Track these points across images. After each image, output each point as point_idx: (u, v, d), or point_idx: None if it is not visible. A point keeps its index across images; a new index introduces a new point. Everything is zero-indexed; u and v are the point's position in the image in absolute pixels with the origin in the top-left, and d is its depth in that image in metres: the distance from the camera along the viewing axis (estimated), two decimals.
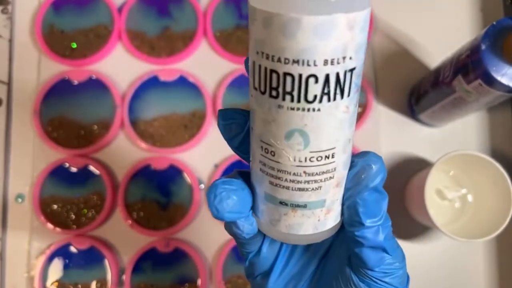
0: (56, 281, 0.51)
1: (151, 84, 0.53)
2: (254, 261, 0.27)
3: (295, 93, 0.18)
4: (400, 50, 0.55)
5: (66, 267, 0.51)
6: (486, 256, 0.51)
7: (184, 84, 0.53)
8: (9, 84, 0.55)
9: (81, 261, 0.51)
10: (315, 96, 0.18)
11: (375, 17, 0.55)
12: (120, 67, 0.55)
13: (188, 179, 0.52)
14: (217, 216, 0.22)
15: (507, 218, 0.42)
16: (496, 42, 0.37)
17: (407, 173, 0.51)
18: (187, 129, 0.53)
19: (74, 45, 0.54)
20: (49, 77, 0.54)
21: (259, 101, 0.19)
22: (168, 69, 0.54)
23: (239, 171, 0.24)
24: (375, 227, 0.22)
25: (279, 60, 0.18)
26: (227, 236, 0.51)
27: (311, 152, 0.19)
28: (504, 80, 0.37)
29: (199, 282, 0.50)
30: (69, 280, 0.51)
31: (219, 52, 0.54)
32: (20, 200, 0.53)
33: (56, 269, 0.51)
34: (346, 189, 0.22)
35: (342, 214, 0.23)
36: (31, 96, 0.54)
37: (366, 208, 0.22)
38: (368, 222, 0.22)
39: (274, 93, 0.19)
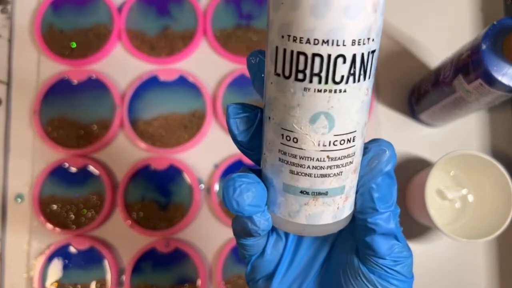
0: (56, 281, 0.51)
1: (150, 84, 0.53)
2: (257, 264, 0.27)
3: (323, 74, 0.19)
4: (400, 50, 0.55)
5: (65, 267, 0.51)
6: (487, 256, 0.51)
7: (184, 84, 0.53)
8: (8, 84, 0.55)
9: (81, 262, 0.51)
10: (342, 77, 0.19)
11: None
12: (119, 67, 0.54)
13: (188, 179, 0.52)
14: (237, 209, 0.21)
15: (507, 219, 0.42)
16: (497, 42, 0.37)
17: (407, 173, 0.51)
18: (187, 129, 0.53)
19: (74, 45, 0.54)
20: (49, 77, 0.54)
21: (281, 86, 0.20)
22: (168, 69, 0.54)
23: (248, 168, 0.24)
24: (387, 213, 0.22)
25: (308, 41, 0.18)
26: (227, 236, 0.51)
27: (335, 135, 0.20)
28: (504, 80, 0.36)
29: (199, 282, 0.50)
30: (69, 280, 0.51)
31: (219, 52, 0.54)
32: (19, 200, 0.53)
33: (56, 270, 0.51)
34: (360, 176, 0.22)
35: (354, 203, 0.23)
36: (31, 96, 0.54)
37: (380, 193, 0.22)
38: (381, 208, 0.22)
39: (300, 76, 0.19)
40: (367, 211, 0.22)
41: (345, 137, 0.20)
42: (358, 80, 0.19)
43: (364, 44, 0.18)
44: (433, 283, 0.51)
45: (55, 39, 0.55)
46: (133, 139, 0.52)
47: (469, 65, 0.39)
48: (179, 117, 0.53)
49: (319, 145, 0.20)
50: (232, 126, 0.23)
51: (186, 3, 0.55)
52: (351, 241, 0.25)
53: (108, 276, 0.50)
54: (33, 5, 0.56)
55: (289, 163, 0.21)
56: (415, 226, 0.51)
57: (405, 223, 0.51)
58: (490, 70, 0.37)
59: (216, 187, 0.51)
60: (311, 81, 0.19)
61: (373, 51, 0.19)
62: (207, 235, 0.52)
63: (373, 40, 0.19)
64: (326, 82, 0.19)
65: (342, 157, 0.20)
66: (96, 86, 0.53)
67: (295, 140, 0.20)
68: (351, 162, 0.21)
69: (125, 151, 0.53)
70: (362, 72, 0.19)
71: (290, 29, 0.18)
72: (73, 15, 0.55)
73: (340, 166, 0.21)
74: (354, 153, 0.21)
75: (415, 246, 0.51)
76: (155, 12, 0.55)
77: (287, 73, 0.19)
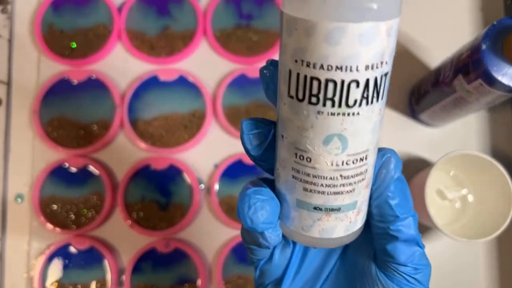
0: (56, 281, 0.51)
1: (151, 84, 0.53)
2: (265, 269, 0.27)
3: (336, 99, 0.19)
4: (400, 50, 0.55)
5: (65, 267, 0.51)
6: (486, 256, 0.51)
7: (184, 84, 0.53)
8: (8, 84, 0.55)
9: (81, 262, 0.51)
10: (355, 101, 0.19)
11: None
12: (119, 67, 0.54)
13: (188, 179, 0.52)
14: (250, 226, 0.22)
15: (507, 219, 0.42)
16: (497, 42, 0.37)
17: (407, 173, 0.51)
18: (187, 129, 0.53)
19: (74, 45, 0.54)
20: (49, 77, 0.54)
21: (295, 108, 0.20)
22: (168, 69, 0.54)
23: (261, 179, 0.24)
24: (408, 219, 0.22)
25: (321, 67, 0.18)
26: (227, 236, 0.51)
27: (348, 155, 0.20)
28: (504, 80, 0.36)
29: (199, 282, 0.50)
30: (69, 280, 0.51)
31: (219, 52, 0.54)
32: (19, 200, 0.53)
33: (56, 270, 0.51)
34: (373, 189, 0.23)
35: (368, 214, 0.23)
36: (31, 96, 0.54)
37: (397, 200, 0.22)
38: (402, 213, 0.22)
39: (314, 100, 0.19)
40: (388, 219, 0.22)
41: (358, 156, 0.20)
42: (372, 103, 0.19)
43: (377, 68, 0.18)
44: (433, 283, 0.50)
45: (55, 39, 0.55)
46: (133, 139, 0.52)
47: (469, 65, 0.39)
48: (179, 117, 0.53)
49: (332, 165, 0.20)
50: (246, 141, 0.23)
51: (186, 3, 0.55)
52: (366, 248, 0.25)
53: (108, 276, 0.50)
54: (33, 5, 0.56)
55: (302, 180, 0.21)
56: None
57: None
58: (490, 70, 0.36)
59: (216, 187, 0.51)
60: (324, 105, 0.19)
61: (386, 73, 0.19)
62: (207, 235, 0.52)
63: (386, 63, 0.19)
64: (340, 106, 0.19)
65: (355, 175, 0.21)
66: (96, 86, 0.53)
67: (308, 159, 0.20)
68: (363, 179, 0.21)
69: (125, 151, 0.53)
70: (375, 94, 0.19)
71: (304, 54, 0.18)
72: (73, 15, 0.55)
73: (353, 183, 0.21)
74: (366, 170, 0.21)
75: None
76: (155, 12, 0.55)
77: (300, 96, 0.19)
